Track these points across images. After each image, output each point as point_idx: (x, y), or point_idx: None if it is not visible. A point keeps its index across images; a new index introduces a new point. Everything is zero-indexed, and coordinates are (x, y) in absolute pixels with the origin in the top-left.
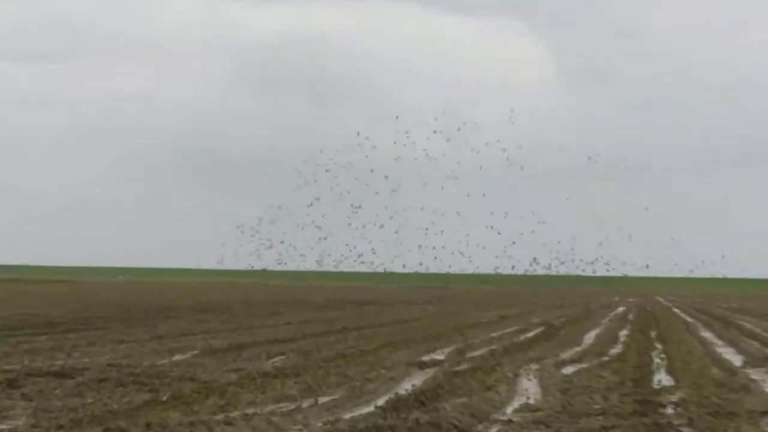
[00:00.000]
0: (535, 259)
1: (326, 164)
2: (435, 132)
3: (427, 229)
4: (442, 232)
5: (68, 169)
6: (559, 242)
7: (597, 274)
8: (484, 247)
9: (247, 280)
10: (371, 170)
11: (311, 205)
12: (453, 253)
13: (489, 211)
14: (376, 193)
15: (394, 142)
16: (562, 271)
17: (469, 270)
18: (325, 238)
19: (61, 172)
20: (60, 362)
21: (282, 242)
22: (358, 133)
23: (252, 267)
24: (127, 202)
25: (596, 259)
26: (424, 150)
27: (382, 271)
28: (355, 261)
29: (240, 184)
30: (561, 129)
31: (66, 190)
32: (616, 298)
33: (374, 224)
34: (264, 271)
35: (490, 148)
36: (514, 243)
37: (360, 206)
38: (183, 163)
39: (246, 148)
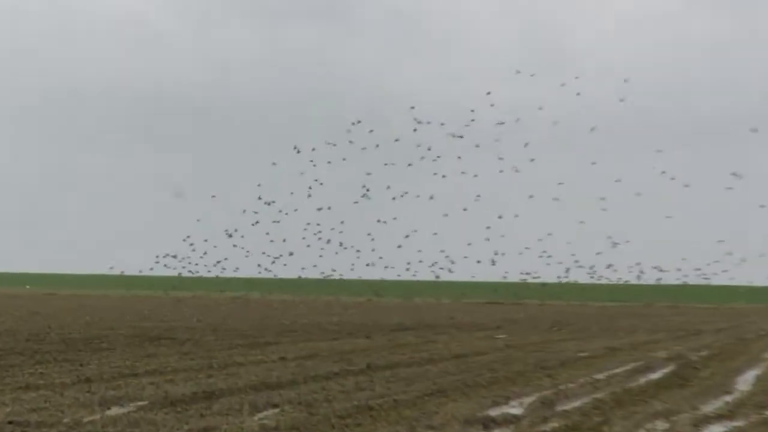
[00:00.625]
0: (638, 265)
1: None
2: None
3: (488, 227)
4: (516, 217)
5: None
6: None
7: (754, 284)
8: (568, 245)
9: (220, 294)
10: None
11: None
12: (526, 253)
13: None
14: (409, 164)
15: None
16: (692, 280)
17: (551, 277)
18: (341, 232)
19: None
20: None
21: (283, 241)
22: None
23: (223, 271)
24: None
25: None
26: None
27: (425, 280)
28: (385, 267)
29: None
30: None
31: None
32: None
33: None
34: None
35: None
36: (611, 242)
37: (389, 187)
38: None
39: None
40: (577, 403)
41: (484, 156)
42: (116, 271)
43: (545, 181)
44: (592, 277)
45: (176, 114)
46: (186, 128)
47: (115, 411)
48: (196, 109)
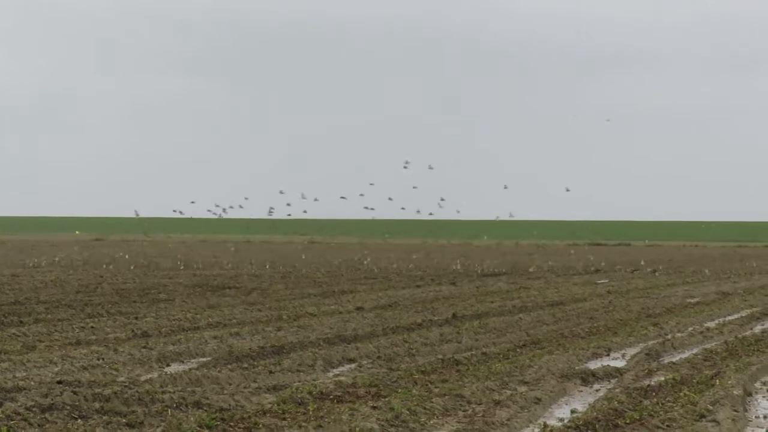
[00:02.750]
0: None
1: None
2: None
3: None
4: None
5: None
6: None
7: None
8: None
9: (290, 238)
10: None
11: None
12: (624, 186)
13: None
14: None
15: None
16: None
17: (660, 215)
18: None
19: None
20: None
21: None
22: None
23: (288, 215)
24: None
25: None
26: None
27: (509, 218)
28: (466, 203)
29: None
30: None
31: None
32: None
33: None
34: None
35: None
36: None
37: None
38: None
39: None
40: (685, 355)
41: None
42: (177, 214)
43: None
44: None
45: None
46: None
47: (174, 368)
48: None
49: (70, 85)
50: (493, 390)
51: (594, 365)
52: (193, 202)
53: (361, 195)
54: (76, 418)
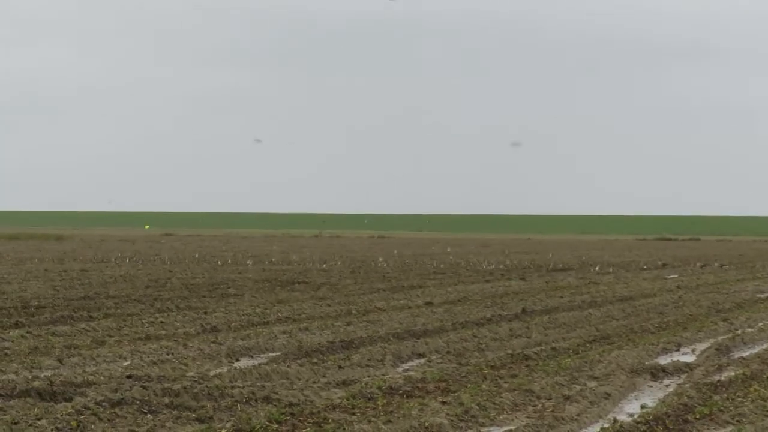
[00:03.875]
0: None
1: None
2: None
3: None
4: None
5: None
6: None
7: None
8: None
9: (357, 233)
10: None
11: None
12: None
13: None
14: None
15: None
16: None
17: (730, 210)
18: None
19: None
20: (46, 374)
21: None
22: None
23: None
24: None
25: None
26: None
27: (585, 215)
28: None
29: None
30: None
31: None
32: None
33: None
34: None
35: None
36: None
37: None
38: None
39: None
40: (756, 350)
41: None
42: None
43: None
44: None
45: None
46: None
47: (244, 363)
48: None
49: (131, 77)
50: (563, 385)
51: (664, 360)
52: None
53: None
54: (145, 413)
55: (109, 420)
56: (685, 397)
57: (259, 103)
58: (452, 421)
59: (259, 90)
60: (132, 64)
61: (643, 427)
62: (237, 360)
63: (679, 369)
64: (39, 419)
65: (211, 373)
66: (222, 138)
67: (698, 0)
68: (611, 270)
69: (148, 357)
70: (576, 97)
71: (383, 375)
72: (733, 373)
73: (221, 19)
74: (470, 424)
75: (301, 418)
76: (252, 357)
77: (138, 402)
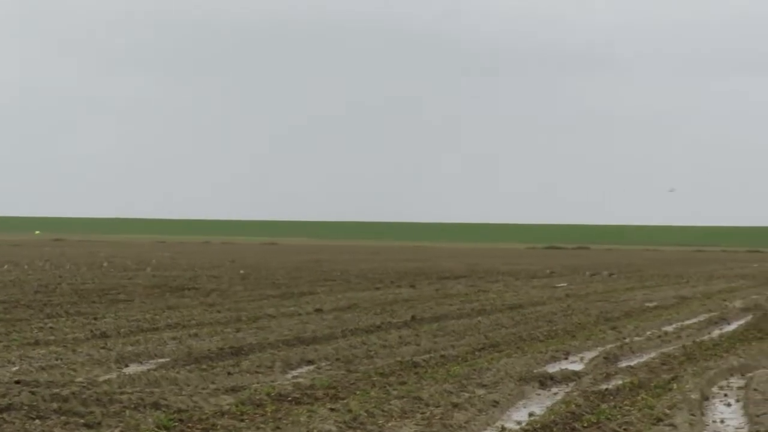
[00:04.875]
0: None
1: None
2: None
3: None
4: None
5: None
6: None
7: None
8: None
9: (250, 239)
10: None
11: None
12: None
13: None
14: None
15: None
16: None
17: (625, 219)
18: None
19: None
20: None
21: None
22: None
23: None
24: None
25: None
26: None
27: (476, 223)
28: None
29: None
30: None
31: None
32: None
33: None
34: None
35: None
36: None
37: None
38: None
39: None
40: (643, 359)
41: None
42: (132, 214)
43: None
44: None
45: None
46: None
47: (133, 369)
48: None
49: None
50: (452, 393)
51: (552, 368)
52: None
53: None
54: (33, 419)
55: None
56: (573, 405)
57: (154, 108)
58: (341, 428)
59: (152, 95)
60: (32, 67)
61: None
62: (126, 366)
63: (567, 377)
64: None
65: (100, 379)
66: (117, 143)
67: (593, 9)
68: (501, 278)
69: (37, 362)
70: (472, 105)
71: (272, 382)
72: (620, 382)
73: (126, 23)
74: (358, 431)
75: (190, 424)
76: (141, 363)
77: (26, 407)
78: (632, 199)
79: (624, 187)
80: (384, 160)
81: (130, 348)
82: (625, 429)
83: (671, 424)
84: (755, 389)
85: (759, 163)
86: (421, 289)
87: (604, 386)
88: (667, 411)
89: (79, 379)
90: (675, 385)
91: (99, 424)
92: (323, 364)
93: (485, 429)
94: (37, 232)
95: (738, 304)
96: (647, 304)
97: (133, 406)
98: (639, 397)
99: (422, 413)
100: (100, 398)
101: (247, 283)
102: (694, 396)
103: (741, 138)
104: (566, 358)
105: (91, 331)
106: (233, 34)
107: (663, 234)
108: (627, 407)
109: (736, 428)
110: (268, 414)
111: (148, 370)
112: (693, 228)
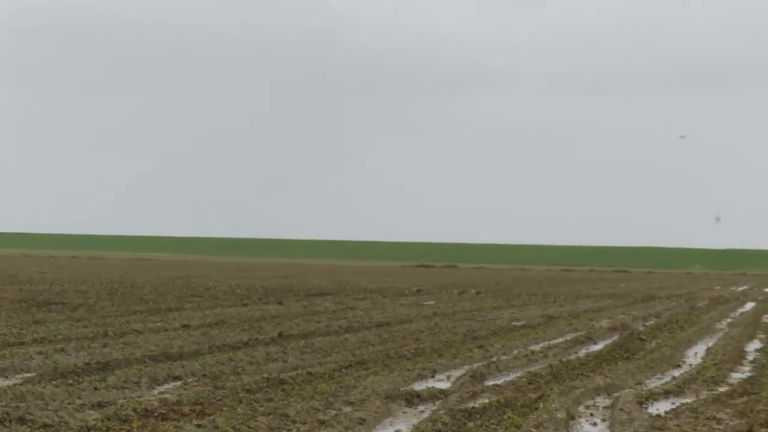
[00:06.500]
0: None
1: None
2: None
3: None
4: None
5: None
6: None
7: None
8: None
9: (117, 254)
10: None
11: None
12: (457, 211)
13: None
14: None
15: None
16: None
17: (499, 238)
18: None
19: None
20: None
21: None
22: None
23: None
24: None
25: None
26: None
27: (348, 240)
28: (303, 223)
29: None
30: None
31: None
32: (744, 287)
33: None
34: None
35: None
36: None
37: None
38: None
39: None
40: (510, 377)
41: None
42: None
43: None
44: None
45: None
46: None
47: None
48: None
49: None
50: (318, 410)
51: (419, 387)
52: None
53: None
54: None
55: None
56: (440, 424)
57: (20, 120)
58: None
59: (20, 106)
60: None
61: None
62: None
63: (434, 395)
64: None
65: None
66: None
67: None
68: (368, 295)
69: None
70: (348, 121)
71: (139, 397)
72: (487, 400)
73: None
74: None
75: None
76: (7, 377)
77: None
78: (501, 217)
79: (493, 206)
80: (252, 176)
81: None
82: None
83: None
84: (621, 409)
85: (627, 184)
86: (289, 305)
87: (470, 405)
88: (534, 430)
89: None
90: (541, 404)
91: None
92: (190, 380)
93: None
94: None
95: (605, 323)
96: (514, 323)
97: None
98: (505, 416)
99: (289, 430)
100: None
101: (115, 298)
102: (561, 415)
103: (613, 159)
104: (433, 377)
105: None
106: (113, 45)
107: (531, 253)
108: (493, 426)
109: None
110: (135, 430)
111: (14, 384)
112: (561, 247)
